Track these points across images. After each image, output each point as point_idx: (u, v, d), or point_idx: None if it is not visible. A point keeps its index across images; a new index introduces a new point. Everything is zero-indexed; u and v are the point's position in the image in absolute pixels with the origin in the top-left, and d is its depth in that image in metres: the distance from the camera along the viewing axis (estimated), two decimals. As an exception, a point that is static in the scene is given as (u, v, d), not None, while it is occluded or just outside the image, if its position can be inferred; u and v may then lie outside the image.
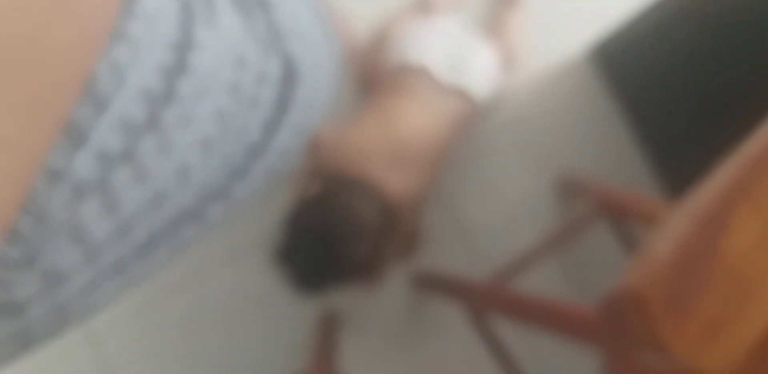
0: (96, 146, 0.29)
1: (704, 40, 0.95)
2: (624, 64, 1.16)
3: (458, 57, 0.96)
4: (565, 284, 1.18)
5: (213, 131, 0.36)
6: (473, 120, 1.00)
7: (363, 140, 0.90)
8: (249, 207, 0.45)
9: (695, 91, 1.01)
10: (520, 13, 1.18)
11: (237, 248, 1.12)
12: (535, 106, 1.20)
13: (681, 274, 0.37)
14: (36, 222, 0.28)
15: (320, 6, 0.48)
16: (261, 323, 1.11)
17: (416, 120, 0.91)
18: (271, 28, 0.42)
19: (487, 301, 0.89)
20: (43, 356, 1.08)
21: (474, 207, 1.18)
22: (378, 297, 1.14)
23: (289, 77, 0.43)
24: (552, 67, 1.20)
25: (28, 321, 0.31)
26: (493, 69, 1.01)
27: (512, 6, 1.18)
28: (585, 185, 1.12)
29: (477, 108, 0.98)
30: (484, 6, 1.20)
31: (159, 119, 0.32)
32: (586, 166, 1.19)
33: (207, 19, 0.35)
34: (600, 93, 1.21)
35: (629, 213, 1.00)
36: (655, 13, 1.04)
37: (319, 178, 0.88)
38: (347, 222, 0.81)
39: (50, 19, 0.20)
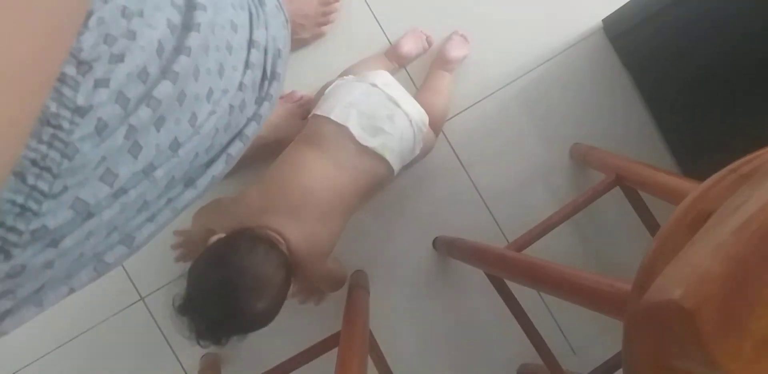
0: (115, 87, 0.33)
1: (716, 15, 0.96)
2: (635, 37, 1.17)
3: (380, 117, 0.95)
4: (581, 250, 1.24)
5: (215, 84, 0.42)
6: (387, 179, 0.99)
7: (263, 191, 0.90)
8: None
9: (705, 67, 1.03)
10: (452, 75, 1.18)
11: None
12: (552, 77, 1.22)
13: (735, 290, 0.37)
14: (62, 157, 0.31)
15: None
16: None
17: (320, 172, 0.91)
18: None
19: (503, 268, 0.94)
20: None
21: (492, 177, 1.22)
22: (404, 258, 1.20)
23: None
24: (568, 39, 1.22)
25: (63, 251, 0.35)
26: (418, 132, 1.01)
27: (447, 66, 1.17)
28: (600, 156, 1.15)
29: (390, 170, 0.97)
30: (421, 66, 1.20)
31: (171, 68, 0.37)
32: (602, 136, 1.22)
33: None
34: (615, 65, 1.23)
35: (644, 184, 1.04)
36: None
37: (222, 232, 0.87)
38: (247, 278, 0.79)
39: None
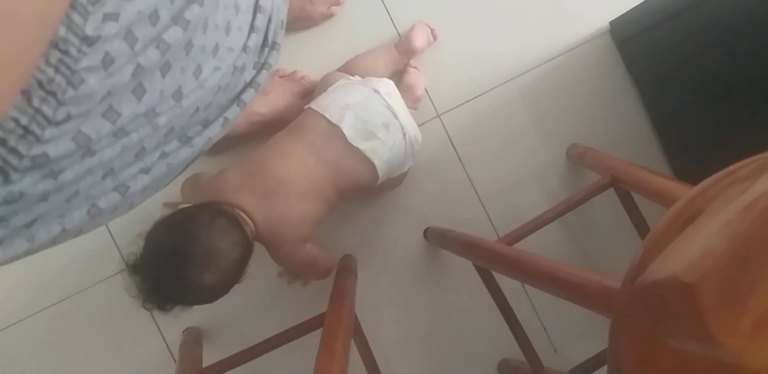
0: (125, 23, 0.34)
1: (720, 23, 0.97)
2: (641, 42, 1.18)
3: (375, 124, 0.95)
4: (570, 249, 1.24)
5: (222, 41, 0.42)
6: (368, 184, 0.99)
7: (243, 171, 0.90)
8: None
9: (709, 76, 1.03)
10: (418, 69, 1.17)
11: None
12: (556, 76, 1.23)
13: (738, 266, 0.37)
14: (67, 84, 0.32)
15: None
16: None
17: (302, 162, 0.92)
18: None
19: (493, 259, 0.95)
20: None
21: (488, 172, 1.22)
22: (393, 245, 1.21)
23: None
24: (575, 39, 1.23)
25: (60, 185, 0.35)
26: (410, 147, 1.01)
27: (411, 56, 1.16)
28: (597, 157, 1.16)
29: (374, 175, 0.97)
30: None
31: (183, 16, 0.37)
32: (600, 138, 1.23)
33: None
34: (619, 68, 1.24)
35: (638, 186, 1.04)
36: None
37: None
38: (198, 249, 0.78)
39: None
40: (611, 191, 1.11)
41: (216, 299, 0.82)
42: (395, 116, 0.98)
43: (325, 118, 0.93)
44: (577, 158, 1.21)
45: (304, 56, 1.16)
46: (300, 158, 0.92)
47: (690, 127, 1.16)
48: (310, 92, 1.13)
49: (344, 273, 1.08)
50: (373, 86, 0.99)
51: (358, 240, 1.19)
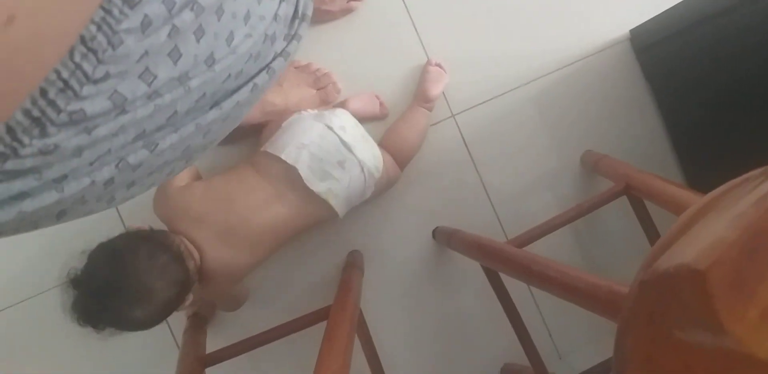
0: None
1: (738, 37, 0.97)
2: (661, 51, 1.18)
3: (331, 163, 0.96)
4: (579, 255, 1.24)
5: (253, 8, 0.43)
6: (329, 220, 1.01)
7: (202, 206, 0.90)
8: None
9: (727, 87, 1.03)
10: (431, 111, 1.17)
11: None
12: (573, 81, 1.23)
13: (748, 256, 0.37)
14: (108, 44, 0.33)
15: None
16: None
17: (264, 205, 0.92)
18: None
19: (502, 261, 0.95)
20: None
21: (501, 175, 1.22)
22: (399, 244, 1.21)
23: None
24: (594, 45, 1.23)
25: (94, 141, 0.36)
26: (369, 178, 1.01)
27: (427, 104, 1.16)
28: (611, 164, 1.16)
29: (333, 214, 0.99)
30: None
31: None
32: (614, 145, 1.22)
33: None
34: (637, 76, 1.24)
35: (651, 194, 1.04)
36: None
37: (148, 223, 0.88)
38: (132, 285, 0.77)
39: None
40: (624, 199, 1.11)
41: (150, 328, 0.81)
42: (350, 151, 0.98)
43: (281, 159, 0.94)
44: (592, 165, 1.21)
45: (322, 48, 1.17)
46: (265, 201, 0.93)
47: (705, 136, 1.16)
48: (324, 85, 1.14)
49: (350, 268, 1.08)
50: (326, 122, 0.99)
51: (365, 238, 1.19)
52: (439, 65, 1.17)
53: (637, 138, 1.24)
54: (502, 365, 1.21)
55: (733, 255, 0.38)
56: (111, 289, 0.77)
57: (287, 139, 0.97)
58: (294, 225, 0.96)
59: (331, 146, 0.97)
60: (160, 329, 1.14)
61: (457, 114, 1.21)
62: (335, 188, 0.96)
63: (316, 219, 0.99)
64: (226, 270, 0.90)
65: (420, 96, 1.16)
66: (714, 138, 1.13)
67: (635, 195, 1.10)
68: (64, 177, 0.36)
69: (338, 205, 0.98)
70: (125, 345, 1.14)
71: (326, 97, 1.13)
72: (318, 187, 0.95)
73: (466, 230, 1.11)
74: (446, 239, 1.15)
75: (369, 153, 1.01)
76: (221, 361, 0.93)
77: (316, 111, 1.04)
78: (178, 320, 1.13)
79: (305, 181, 0.94)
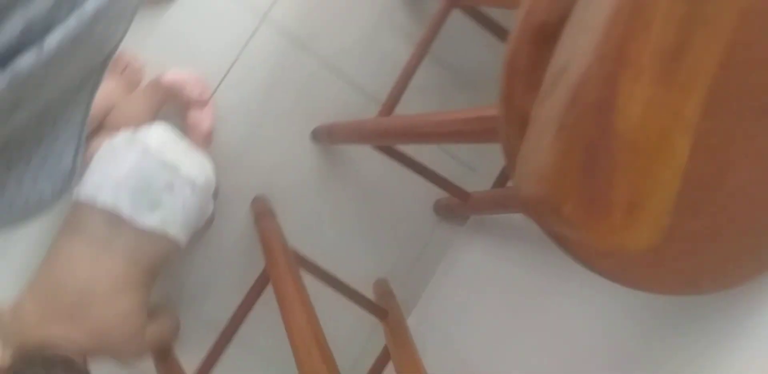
0: None
1: None
2: None
3: (157, 189, 0.85)
4: (449, 89, 1.20)
5: None
6: (176, 251, 0.90)
7: (37, 299, 0.82)
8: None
9: None
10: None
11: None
12: None
13: (586, 171, 0.38)
14: None
15: None
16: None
17: (94, 264, 0.83)
18: None
19: (385, 136, 0.91)
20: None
21: (336, 41, 1.14)
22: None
23: None
24: None
25: None
26: (204, 194, 0.91)
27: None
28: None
29: (176, 243, 0.89)
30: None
31: None
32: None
33: None
34: None
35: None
36: None
37: (11, 350, 0.80)
38: None
39: None
40: (461, 16, 1.04)
41: None
42: (176, 171, 0.87)
43: (97, 206, 0.83)
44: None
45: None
46: (88, 261, 0.83)
47: None
48: (122, 67, 1.00)
49: (262, 217, 1.03)
50: (142, 145, 0.87)
51: (251, 175, 1.12)
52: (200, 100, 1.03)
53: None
54: (432, 205, 1.22)
55: (574, 177, 0.39)
56: None
57: (99, 179, 0.85)
58: (137, 268, 0.86)
59: (152, 172, 0.86)
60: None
61: (269, 13, 1.10)
62: (169, 216, 0.86)
63: (160, 256, 0.88)
64: (115, 335, 0.84)
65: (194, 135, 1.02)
66: None
67: (466, 5, 1.03)
68: None
69: (177, 233, 0.88)
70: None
71: (129, 80, 1.00)
72: (149, 219, 0.85)
73: (340, 118, 1.05)
74: (327, 137, 1.10)
75: (197, 167, 0.91)
76: (211, 370, 0.90)
77: (129, 132, 0.91)
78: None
79: (134, 222, 0.84)
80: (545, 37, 0.48)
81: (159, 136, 0.90)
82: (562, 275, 0.84)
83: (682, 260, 0.56)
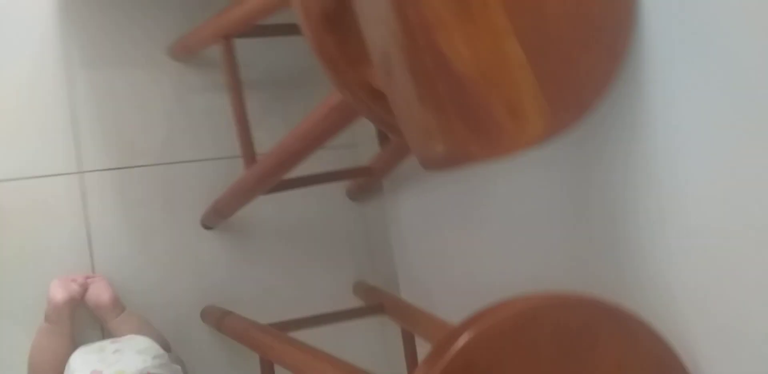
0: None
1: None
2: None
3: None
4: (279, 96, 1.18)
5: None
6: None
7: None
8: None
9: None
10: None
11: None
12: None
13: (461, 114, 0.45)
14: None
15: None
16: None
17: None
18: None
19: (269, 178, 0.87)
20: None
21: (157, 143, 1.13)
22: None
23: None
24: None
25: None
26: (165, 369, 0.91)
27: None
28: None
29: None
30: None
31: None
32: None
33: None
34: None
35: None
36: None
37: None
38: None
39: None
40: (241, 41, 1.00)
41: None
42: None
43: None
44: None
45: None
46: None
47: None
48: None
49: (222, 322, 1.00)
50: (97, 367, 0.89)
51: (186, 296, 1.11)
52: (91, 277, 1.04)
53: None
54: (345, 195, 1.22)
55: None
56: None
57: None
58: None
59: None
60: None
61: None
62: None
63: None
64: None
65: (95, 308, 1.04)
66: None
67: (229, 36, 0.99)
68: None
69: None
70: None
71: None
72: None
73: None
74: (219, 216, 1.07)
75: (134, 357, 0.91)
76: None
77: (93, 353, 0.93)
78: None
79: None
80: (333, 22, 0.55)
81: (83, 362, 0.91)
82: (484, 176, 0.85)
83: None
